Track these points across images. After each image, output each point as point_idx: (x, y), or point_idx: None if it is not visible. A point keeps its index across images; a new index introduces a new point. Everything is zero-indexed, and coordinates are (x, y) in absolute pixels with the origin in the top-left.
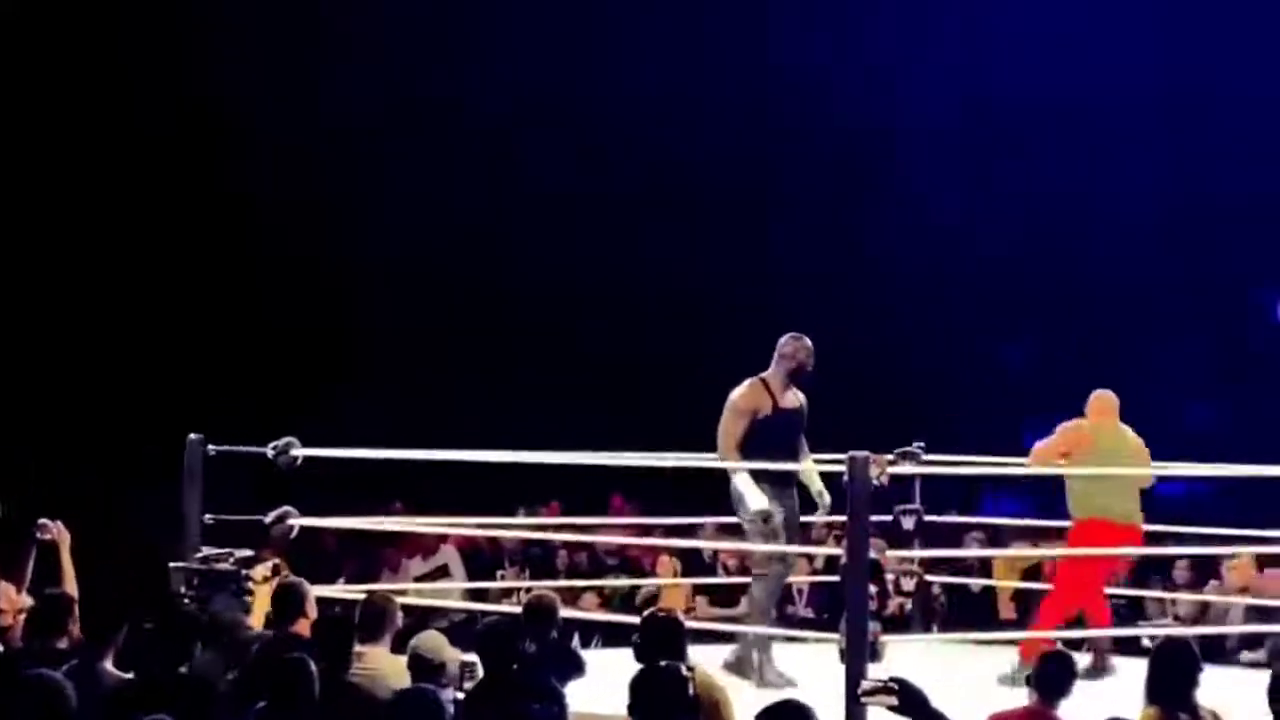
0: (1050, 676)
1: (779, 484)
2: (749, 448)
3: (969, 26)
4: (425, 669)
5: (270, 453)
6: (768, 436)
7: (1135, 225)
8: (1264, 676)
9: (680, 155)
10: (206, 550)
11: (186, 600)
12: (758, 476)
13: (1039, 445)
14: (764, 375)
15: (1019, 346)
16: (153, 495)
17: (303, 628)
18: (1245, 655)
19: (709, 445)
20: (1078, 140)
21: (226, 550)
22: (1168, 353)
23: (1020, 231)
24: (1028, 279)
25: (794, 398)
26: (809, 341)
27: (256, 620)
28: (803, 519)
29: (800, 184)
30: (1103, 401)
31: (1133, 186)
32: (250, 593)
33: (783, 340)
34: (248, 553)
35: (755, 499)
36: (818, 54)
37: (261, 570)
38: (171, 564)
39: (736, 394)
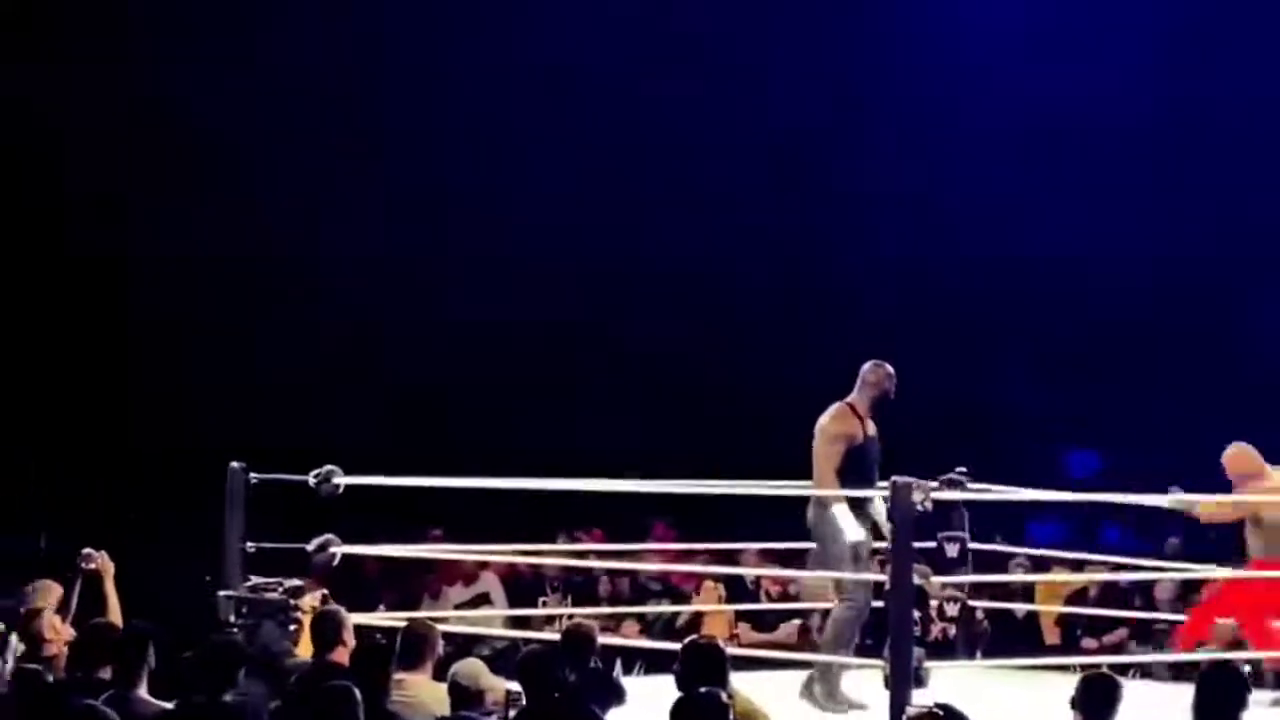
0: (1095, 698)
1: (860, 512)
2: (842, 476)
3: None
4: (464, 697)
5: (312, 481)
6: (858, 464)
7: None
8: None
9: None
10: (255, 579)
11: (233, 629)
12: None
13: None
14: (850, 401)
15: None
16: (186, 524)
17: (341, 656)
18: None
19: (742, 467)
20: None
21: (275, 580)
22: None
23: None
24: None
25: (873, 426)
26: (890, 368)
27: (304, 649)
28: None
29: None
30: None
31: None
32: (298, 622)
33: (867, 367)
34: (297, 582)
35: (853, 529)
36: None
37: (310, 600)
38: (220, 592)
39: (830, 420)
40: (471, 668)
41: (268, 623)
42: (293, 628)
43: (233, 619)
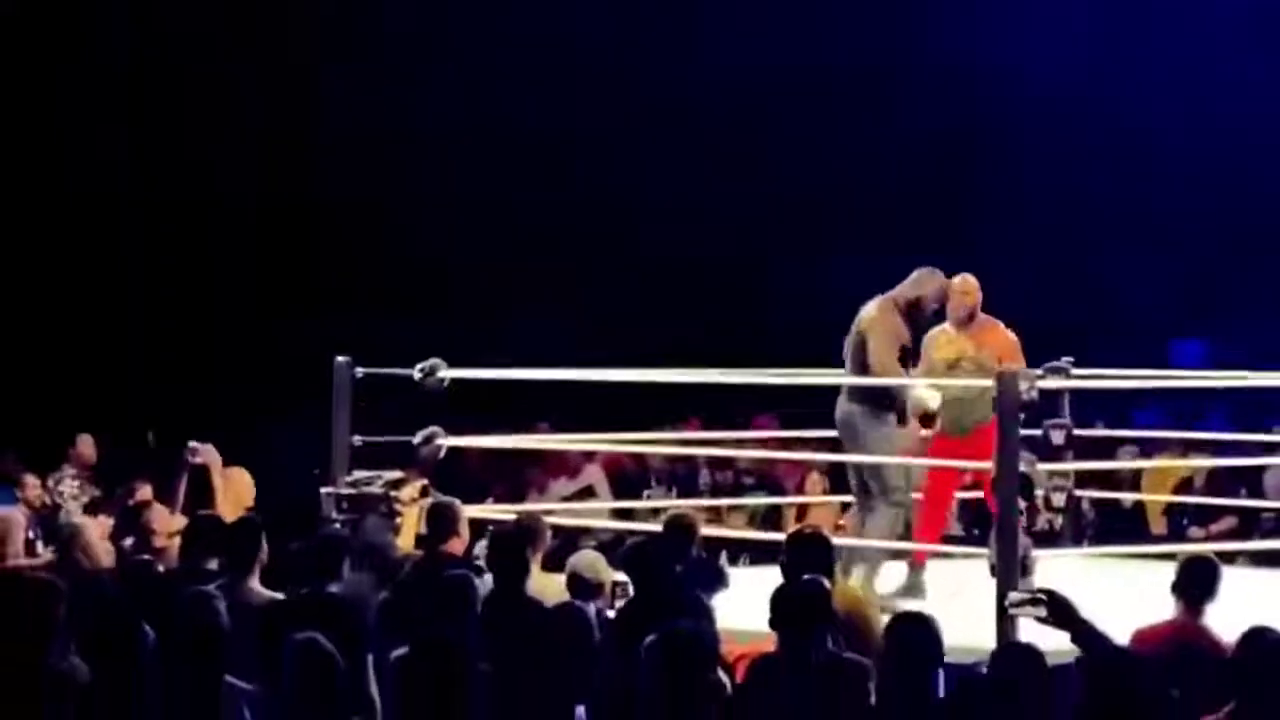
0: (1195, 583)
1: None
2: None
3: None
4: (584, 588)
5: (417, 375)
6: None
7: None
8: None
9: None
10: (357, 474)
11: (336, 523)
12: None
13: None
14: (894, 297)
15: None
16: (297, 419)
17: (455, 547)
18: None
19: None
20: None
21: (375, 473)
22: None
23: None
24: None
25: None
26: (944, 281)
27: (405, 541)
28: None
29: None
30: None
31: None
32: (399, 514)
33: (924, 271)
34: (397, 475)
35: (934, 397)
36: None
37: (409, 492)
38: (322, 489)
39: (884, 317)
40: (591, 559)
41: (370, 516)
42: (395, 520)
43: (335, 514)
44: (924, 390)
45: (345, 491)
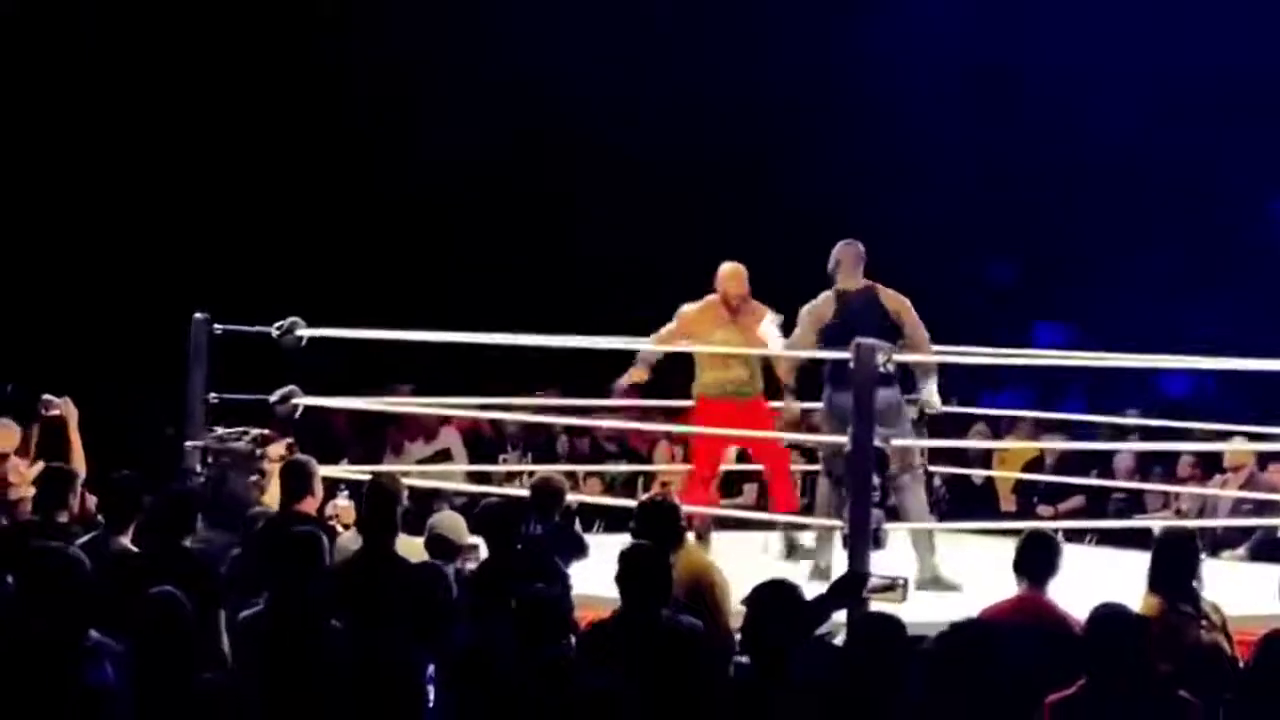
0: (1036, 560)
1: None
2: None
3: None
4: (445, 549)
5: (274, 332)
6: None
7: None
8: (1253, 570)
9: None
10: (222, 430)
11: (199, 478)
12: None
13: None
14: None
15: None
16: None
17: (308, 505)
18: (1225, 554)
19: None
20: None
21: (242, 429)
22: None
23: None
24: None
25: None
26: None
27: (270, 499)
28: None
29: None
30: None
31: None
32: (264, 472)
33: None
34: (264, 431)
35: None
36: None
37: (276, 449)
38: (187, 443)
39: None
40: (452, 520)
41: (233, 472)
42: (258, 477)
43: (198, 468)
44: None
45: (210, 446)
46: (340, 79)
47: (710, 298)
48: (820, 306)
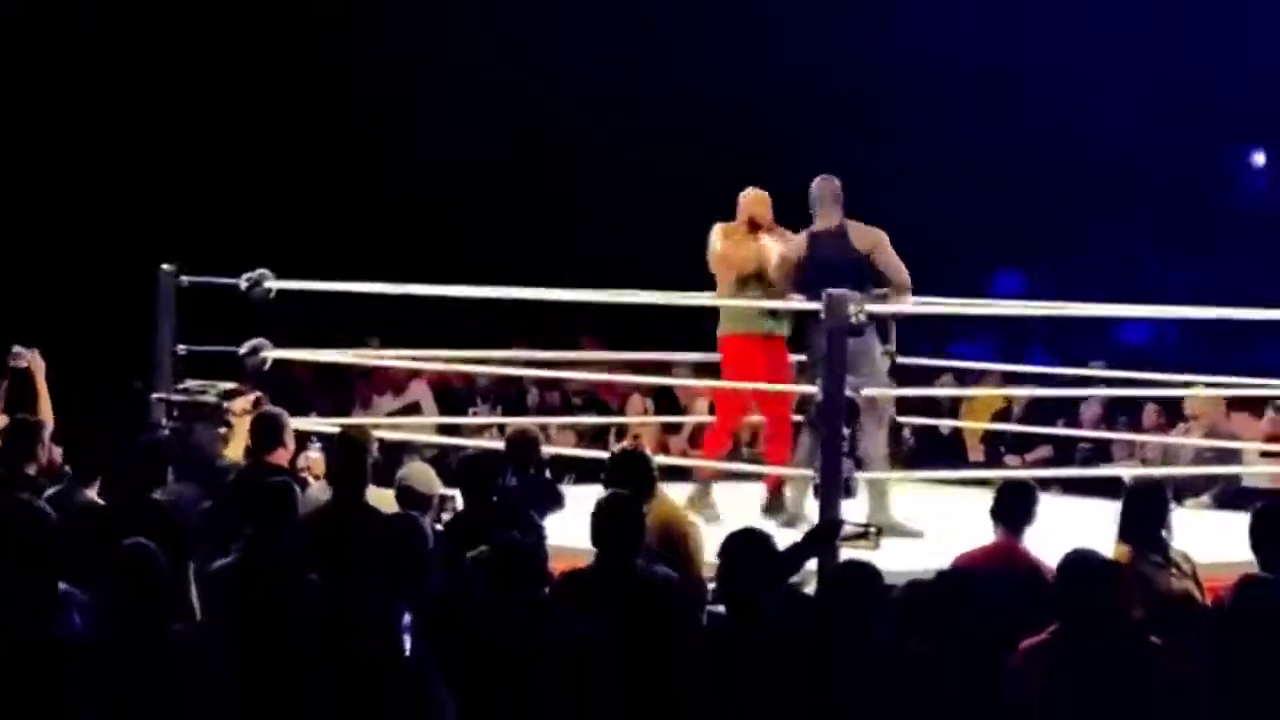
0: (1014, 508)
1: None
2: None
3: None
4: (415, 500)
5: (243, 284)
6: None
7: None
8: (1219, 518)
9: None
10: (190, 382)
11: (165, 430)
12: None
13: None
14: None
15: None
16: (124, 326)
17: (280, 457)
18: (1189, 501)
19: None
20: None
21: (209, 382)
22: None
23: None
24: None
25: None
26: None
27: (234, 452)
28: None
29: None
30: None
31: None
32: (230, 425)
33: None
34: (230, 385)
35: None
36: None
37: (242, 403)
38: (153, 395)
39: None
40: (422, 471)
41: (200, 425)
42: (224, 430)
43: (165, 421)
44: None
45: (176, 399)
46: (340, 79)
47: (732, 225)
48: (790, 252)
